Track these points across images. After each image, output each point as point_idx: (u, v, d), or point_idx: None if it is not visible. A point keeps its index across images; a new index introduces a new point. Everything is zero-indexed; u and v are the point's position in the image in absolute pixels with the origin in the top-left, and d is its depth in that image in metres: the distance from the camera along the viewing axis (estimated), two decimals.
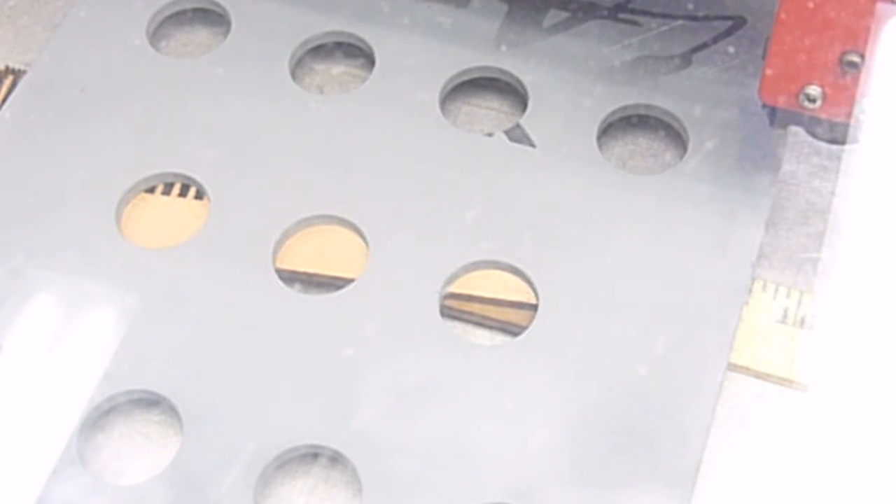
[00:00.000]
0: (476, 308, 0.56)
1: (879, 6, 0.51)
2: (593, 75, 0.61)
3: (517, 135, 0.60)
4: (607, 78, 0.61)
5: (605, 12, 0.63)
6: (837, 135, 0.54)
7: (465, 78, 0.62)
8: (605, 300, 0.55)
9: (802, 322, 0.55)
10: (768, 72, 0.53)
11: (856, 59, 0.51)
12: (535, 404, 0.52)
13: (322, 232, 0.58)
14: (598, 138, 0.59)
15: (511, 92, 0.62)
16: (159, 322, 0.55)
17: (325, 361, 0.53)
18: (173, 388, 0.53)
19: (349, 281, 0.56)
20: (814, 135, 0.55)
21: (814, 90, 0.53)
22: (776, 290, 0.56)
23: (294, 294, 0.56)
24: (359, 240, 0.57)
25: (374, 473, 0.51)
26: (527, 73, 0.61)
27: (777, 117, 0.55)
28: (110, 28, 0.63)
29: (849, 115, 0.53)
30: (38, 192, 0.58)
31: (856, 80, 0.52)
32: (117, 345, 0.54)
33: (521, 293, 0.55)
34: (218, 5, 0.64)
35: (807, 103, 0.53)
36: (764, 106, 0.55)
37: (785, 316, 0.55)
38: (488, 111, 0.62)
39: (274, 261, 0.56)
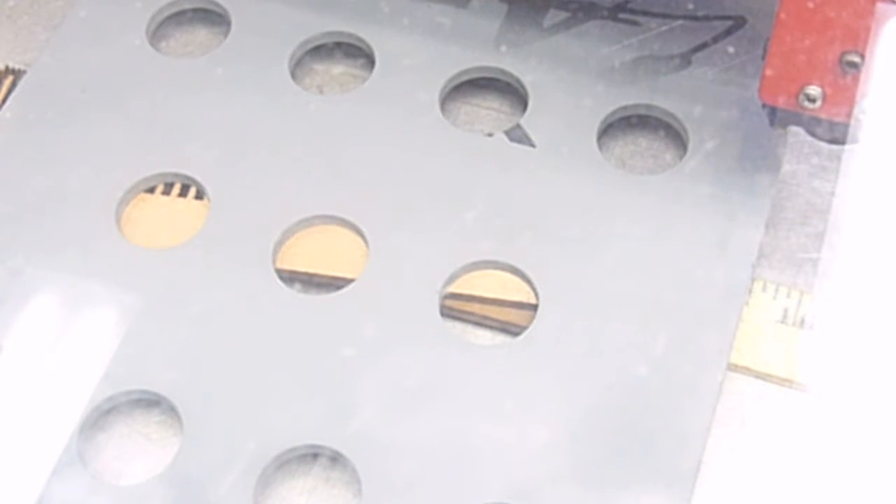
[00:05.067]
0: (476, 308, 0.56)
1: (879, 6, 0.51)
2: (593, 75, 0.61)
3: (517, 135, 0.60)
4: (607, 78, 0.61)
5: (605, 12, 0.63)
6: (837, 135, 0.54)
7: (465, 78, 0.62)
8: (605, 300, 0.55)
9: (802, 322, 0.55)
10: (768, 72, 0.53)
11: (856, 59, 0.51)
12: (535, 404, 0.52)
13: (322, 232, 0.58)
14: (598, 138, 0.59)
15: (511, 92, 0.62)
16: (159, 322, 0.55)
17: (325, 361, 0.53)
18: (173, 388, 0.53)
19: (349, 281, 0.56)
20: (814, 135, 0.55)
21: (814, 90, 0.53)
22: (776, 290, 0.56)
23: (294, 294, 0.56)
24: (359, 240, 0.57)
25: (374, 473, 0.51)
26: (527, 73, 0.61)
27: (777, 117, 0.55)
28: (110, 28, 0.63)
29: (849, 115, 0.53)
30: (38, 192, 0.58)
31: (856, 80, 0.52)
32: (117, 345, 0.54)
33: (521, 293, 0.55)
34: (218, 5, 0.64)
35: (807, 103, 0.53)
36: (764, 106, 0.55)
37: (785, 316, 0.55)
38: (488, 111, 0.62)
39: (274, 261, 0.56)
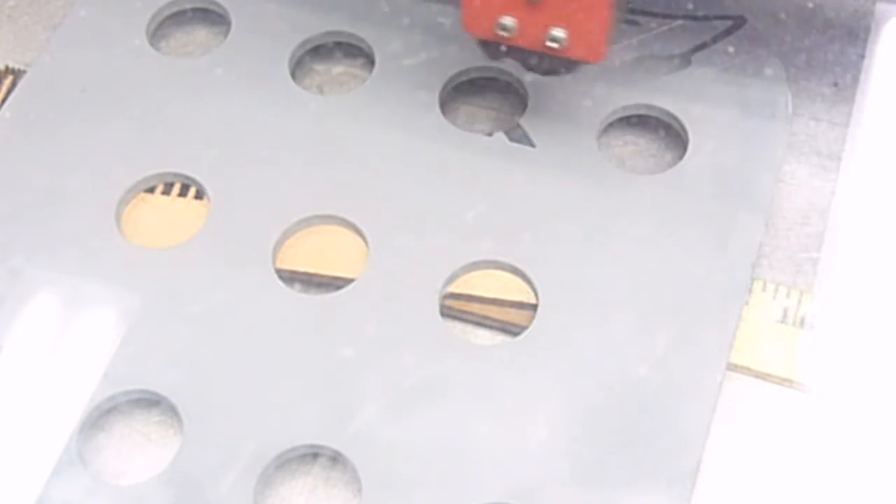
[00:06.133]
0: (476, 308, 0.56)
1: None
2: (593, 75, 0.61)
3: (517, 135, 0.60)
4: (607, 78, 0.61)
5: None
6: (548, 66, 0.56)
7: (465, 78, 0.62)
8: (604, 300, 0.55)
9: (802, 322, 0.55)
10: (467, 4, 0.55)
11: None
12: (535, 404, 0.52)
13: (322, 232, 0.58)
14: (598, 138, 0.59)
15: (511, 92, 0.62)
16: (159, 322, 0.55)
17: (325, 361, 0.53)
18: (173, 388, 0.53)
19: (349, 281, 0.56)
20: (529, 68, 0.57)
21: (507, 20, 0.54)
22: (776, 290, 0.56)
23: (294, 294, 0.56)
24: (359, 240, 0.57)
25: (374, 473, 0.51)
26: (527, 73, 0.61)
27: (487, 50, 0.57)
28: (110, 28, 0.63)
29: (541, 44, 0.55)
30: (38, 192, 0.58)
31: (542, 9, 0.53)
32: (117, 345, 0.54)
33: (521, 293, 0.55)
34: (218, 5, 0.64)
35: (502, 33, 0.54)
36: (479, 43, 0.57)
37: (785, 316, 0.55)
38: (488, 111, 0.62)
39: (274, 261, 0.56)
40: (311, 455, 0.52)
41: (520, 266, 0.56)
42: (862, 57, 0.61)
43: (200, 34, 0.65)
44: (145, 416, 0.54)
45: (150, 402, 0.53)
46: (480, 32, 0.56)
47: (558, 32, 0.54)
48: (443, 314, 0.55)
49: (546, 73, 0.58)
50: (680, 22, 0.62)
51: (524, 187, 0.58)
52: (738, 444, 0.52)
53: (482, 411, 0.52)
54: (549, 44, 0.55)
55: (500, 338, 0.55)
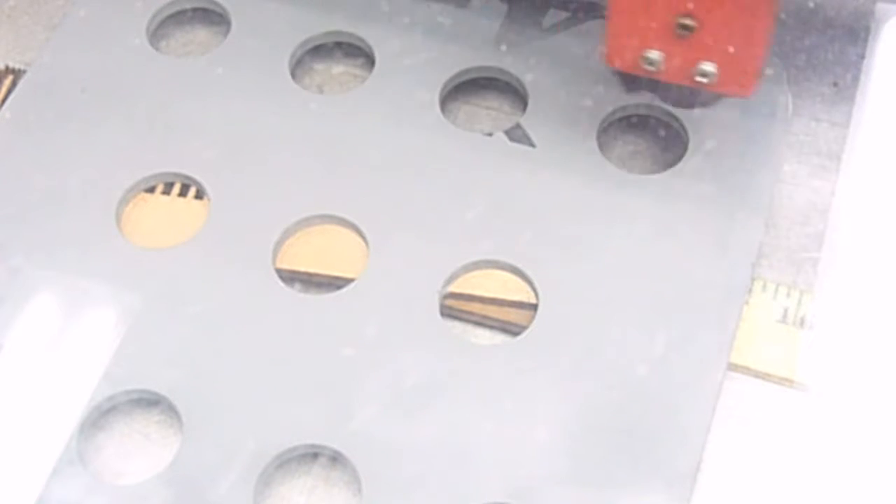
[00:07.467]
0: (476, 308, 0.56)
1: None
2: (593, 75, 0.61)
3: (517, 135, 0.60)
4: (607, 78, 0.61)
5: (605, 12, 0.63)
6: (688, 100, 0.56)
7: (465, 78, 0.62)
8: (604, 300, 0.55)
9: (802, 322, 0.55)
10: (612, 38, 0.54)
11: (689, 22, 0.52)
12: (535, 404, 0.52)
13: (322, 232, 0.58)
14: (598, 138, 0.59)
15: (511, 92, 0.62)
16: (159, 322, 0.55)
17: (325, 361, 0.53)
18: (173, 388, 0.53)
19: (349, 281, 0.56)
20: (665, 100, 0.57)
21: (654, 54, 0.54)
22: (776, 290, 0.56)
23: (294, 294, 0.56)
24: (359, 240, 0.57)
25: (374, 473, 0.51)
26: (527, 73, 0.61)
27: (625, 81, 0.57)
28: (110, 28, 0.63)
29: (689, 78, 0.54)
30: (38, 192, 0.58)
31: (691, 43, 0.52)
32: (117, 345, 0.54)
33: (521, 293, 0.55)
34: (218, 5, 0.64)
35: (648, 67, 0.54)
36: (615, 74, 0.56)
37: (785, 316, 0.55)
38: (488, 111, 0.62)
39: (274, 261, 0.56)
40: (311, 455, 0.52)
41: (520, 266, 0.56)
42: (862, 57, 0.61)
43: (200, 34, 0.65)
44: (145, 416, 0.54)
45: (150, 402, 0.53)
46: (624, 66, 0.55)
47: (708, 67, 0.54)
48: (443, 314, 0.55)
49: (685, 106, 0.57)
50: None
51: (524, 187, 0.58)
52: (738, 444, 0.52)
53: (482, 411, 0.52)
54: (697, 78, 0.54)
55: (500, 338, 0.55)
